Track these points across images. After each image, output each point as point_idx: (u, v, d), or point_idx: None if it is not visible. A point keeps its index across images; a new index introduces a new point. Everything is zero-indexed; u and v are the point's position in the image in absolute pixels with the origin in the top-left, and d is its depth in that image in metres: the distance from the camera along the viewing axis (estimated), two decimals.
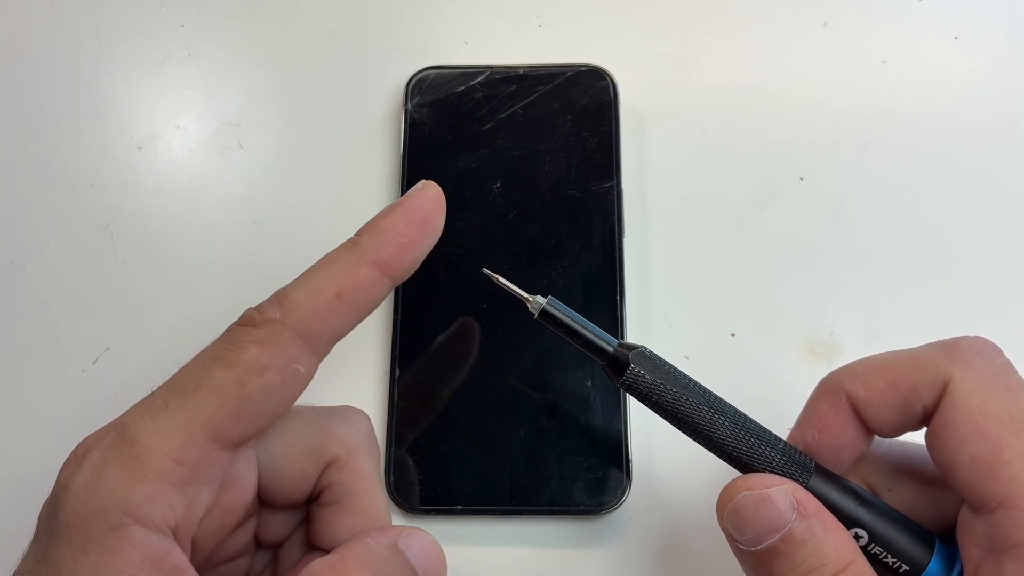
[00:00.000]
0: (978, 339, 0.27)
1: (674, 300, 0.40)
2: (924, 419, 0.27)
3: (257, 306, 0.25)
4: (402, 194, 0.40)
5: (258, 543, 0.28)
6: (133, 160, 0.43)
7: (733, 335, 0.39)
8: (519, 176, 0.40)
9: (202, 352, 0.25)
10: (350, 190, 0.42)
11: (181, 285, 0.41)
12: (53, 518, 0.23)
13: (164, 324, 0.40)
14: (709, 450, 0.28)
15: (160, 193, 0.42)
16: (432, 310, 0.38)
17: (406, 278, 0.27)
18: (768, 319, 0.39)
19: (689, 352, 0.38)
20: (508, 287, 0.28)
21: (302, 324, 0.24)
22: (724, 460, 0.28)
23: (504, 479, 0.36)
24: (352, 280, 0.25)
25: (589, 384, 0.37)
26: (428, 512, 0.35)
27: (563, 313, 0.28)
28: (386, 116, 0.43)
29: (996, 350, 0.27)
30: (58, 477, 0.23)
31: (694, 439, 0.28)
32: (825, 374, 0.29)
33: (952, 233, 0.40)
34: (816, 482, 0.27)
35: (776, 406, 0.38)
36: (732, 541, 0.27)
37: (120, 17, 0.46)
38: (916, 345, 0.28)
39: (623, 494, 0.35)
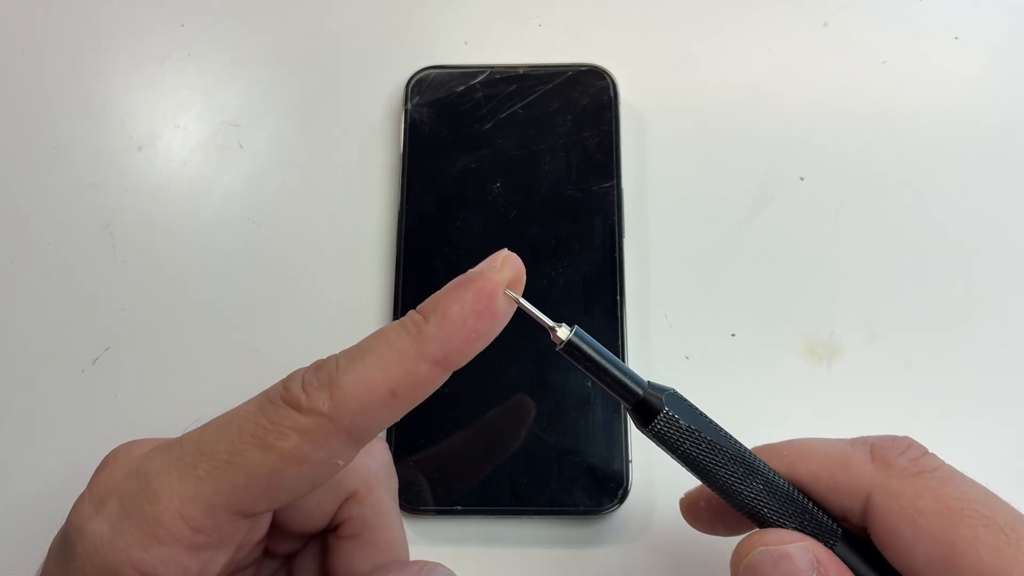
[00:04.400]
0: (897, 438, 0.26)
1: (674, 300, 0.40)
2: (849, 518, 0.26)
3: (304, 382, 0.23)
4: (401, 194, 0.41)
5: (267, 553, 0.28)
6: (133, 160, 0.43)
7: (733, 335, 0.39)
8: (519, 176, 0.40)
9: (240, 417, 0.23)
10: (350, 190, 0.42)
11: (181, 285, 0.41)
12: (67, 561, 0.23)
13: (164, 324, 0.40)
14: (730, 504, 0.26)
15: (160, 193, 0.42)
16: None
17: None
18: (768, 319, 0.39)
19: (689, 352, 0.38)
20: (532, 312, 0.25)
21: (350, 420, 0.23)
22: (744, 514, 0.26)
23: (504, 479, 0.36)
24: (410, 378, 0.23)
25: (589, 384, 0.37)
26: (428, 513, 0.35)
27: (590, 347, 0.25)
28: (386, 116, 0.43)
29: (917, 446, 0.26)
30: (72, 517, 0.23)
31: (717, 493, 0.26)
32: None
33: (952, 233, 0.40)
34: (843, 550, 0.25)
35: (776, 406, 0.38)
36: None
37: (120, 17, 0.46)
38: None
39: (623, 494, 0.35)
